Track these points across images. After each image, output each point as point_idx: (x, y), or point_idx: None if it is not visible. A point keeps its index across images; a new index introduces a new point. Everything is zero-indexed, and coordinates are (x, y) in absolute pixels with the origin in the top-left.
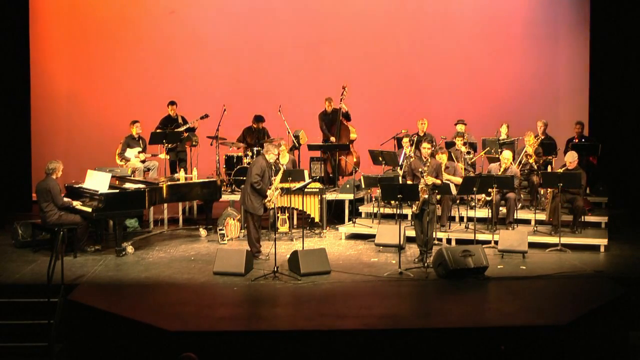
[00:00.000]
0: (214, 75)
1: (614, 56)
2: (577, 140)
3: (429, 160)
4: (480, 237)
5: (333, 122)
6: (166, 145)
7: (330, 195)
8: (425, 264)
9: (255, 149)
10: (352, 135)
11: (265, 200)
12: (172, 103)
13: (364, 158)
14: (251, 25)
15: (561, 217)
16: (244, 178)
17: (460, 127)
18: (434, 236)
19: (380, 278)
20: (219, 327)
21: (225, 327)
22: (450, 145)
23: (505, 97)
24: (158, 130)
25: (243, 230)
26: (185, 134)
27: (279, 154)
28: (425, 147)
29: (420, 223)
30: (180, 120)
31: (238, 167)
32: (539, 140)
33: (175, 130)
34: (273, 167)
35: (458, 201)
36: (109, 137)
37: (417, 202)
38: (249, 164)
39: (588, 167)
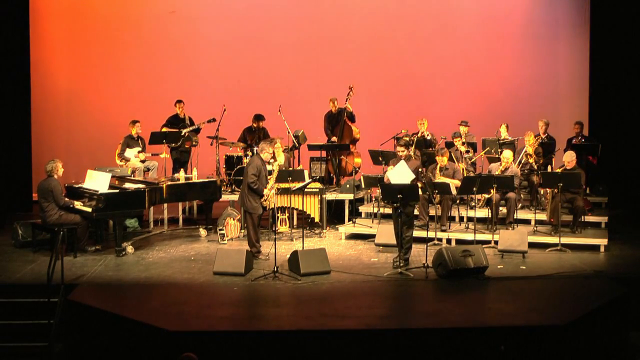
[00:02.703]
0: (214, 75)
1: (614, 56)
2: (576, 141)
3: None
4: (480, 237)
5: (338, 122)
6: (170, 145)
7: (330, 195)
8: (397, 264)
9: (255, 149)
10: (356, 136)
11: (262, 200)
12: (179, 102)
13: (365, 158)
14: (251, 25)
15: (561, 217)
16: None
17: (462, 129)
18: (408, 237)
19: (380, 278)
20: (219, 327)
21: (225, 327)
22: (450, 145)
23: (505, 97)
24: (164, 129)
25: (243, 230)
26: (186, 134)
27: (274, 152)
28: (399, 151)
29: (396, 223)
30: (187, 121)
31: (238, 167)
32: (538, 140)
33: (181, 130)
34: (276, 167)
35: (458, 201)
36: (109, 137)
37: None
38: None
39: (588, 167)
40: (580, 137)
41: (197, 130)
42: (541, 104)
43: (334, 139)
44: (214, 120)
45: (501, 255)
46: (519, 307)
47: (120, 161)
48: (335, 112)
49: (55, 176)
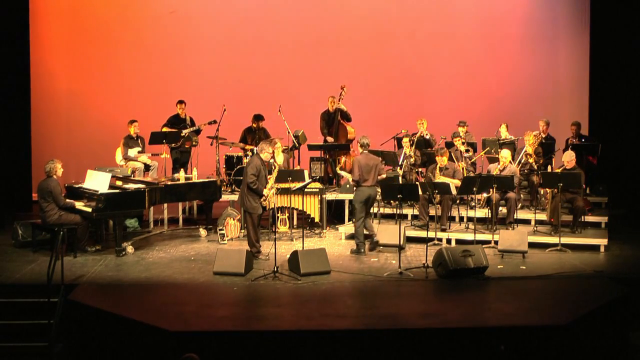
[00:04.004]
0: (214, 75)
1: (614, 56)
2: (573, 141)
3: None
4: (480, 237)
5: (333, 122)
6: (171, 144)
7: (330, 195)
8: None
9: (255, 149)
10: (351, 136)
11: (262, 199)
12: (180, 102)
13: None
14: (251, 25)
15: (561, 217)
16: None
17: (461, 130)
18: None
19: (380, 278)
20: (219, 327)
21: (225, 327)
22: (450, 145)
23: (505, 97)
24: (164, 129)
25: (243, 230)
26: (186, 134)
27: (273, 152)
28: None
29: None
30: (188, 122)
31: (238, 167)
32: (539, 140)
33: (181, 130)
34: (274, 166)
35: (458, 201)
36: (109, 137)
37: None
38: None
39: (588, 167)
40: (577, 138)
41: (197, 131)
42: (541, 104)
43: (330, 139)
44: (214, 122)
45: (501, 255)
46: (519, 307)
47: (125, 162)
48: (333, 111)
49: (55, 176)
